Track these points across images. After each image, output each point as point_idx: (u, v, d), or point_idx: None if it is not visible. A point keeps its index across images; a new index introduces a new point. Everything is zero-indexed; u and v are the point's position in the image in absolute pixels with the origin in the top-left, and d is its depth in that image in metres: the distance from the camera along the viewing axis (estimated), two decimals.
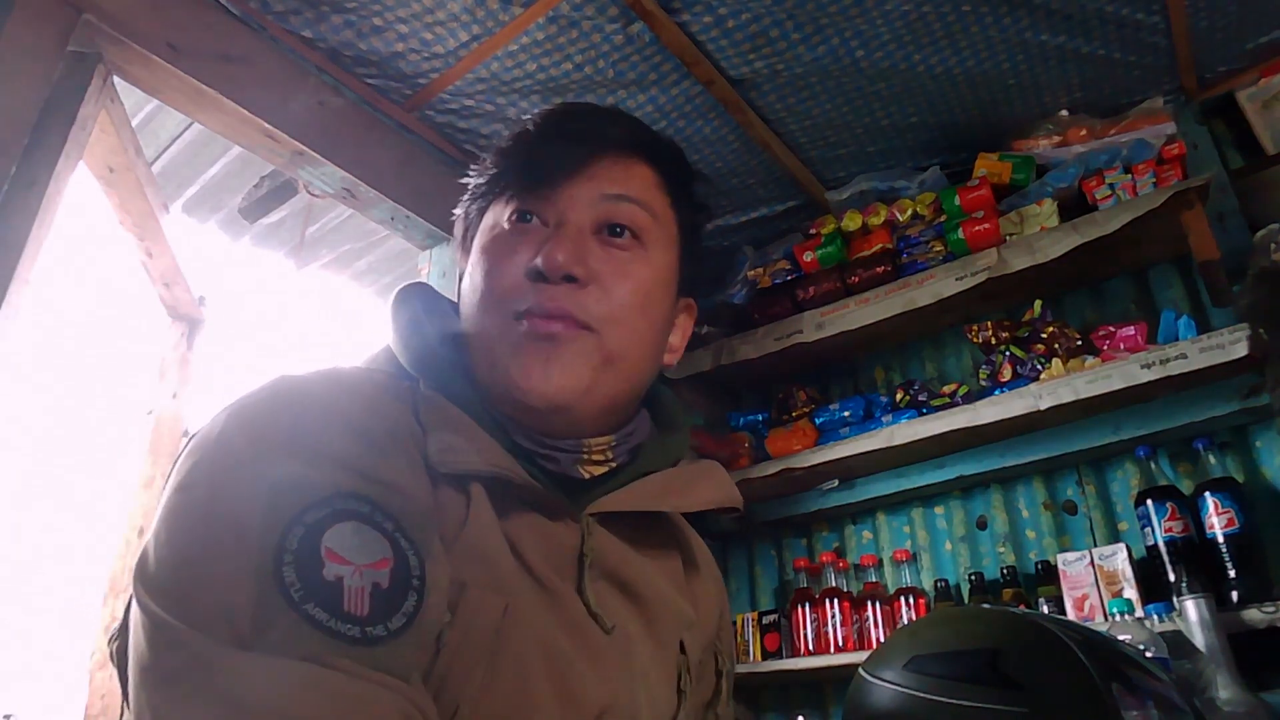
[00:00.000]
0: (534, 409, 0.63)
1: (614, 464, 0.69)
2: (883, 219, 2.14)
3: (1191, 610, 1.48)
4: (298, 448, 0.52)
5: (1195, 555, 1.62)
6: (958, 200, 2.03)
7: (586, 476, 0.67)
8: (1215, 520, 1.62)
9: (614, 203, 0.68)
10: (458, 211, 0.75)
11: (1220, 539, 1.61)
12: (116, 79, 1.42)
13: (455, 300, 0.73)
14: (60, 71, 1.28)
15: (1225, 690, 1.39)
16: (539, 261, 0.63)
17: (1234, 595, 1.57)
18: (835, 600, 2.02)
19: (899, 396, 2.10)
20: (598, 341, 0.64)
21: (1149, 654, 1.37)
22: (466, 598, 0.55)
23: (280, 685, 0.44)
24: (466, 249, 0.72)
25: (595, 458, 0.68)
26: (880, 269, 2.11)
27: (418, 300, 0.71)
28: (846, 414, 2.15)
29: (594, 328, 0.64)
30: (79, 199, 1.47)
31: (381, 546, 0.50)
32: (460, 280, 0.73)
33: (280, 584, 0.46)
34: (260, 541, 0.47)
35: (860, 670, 1.07)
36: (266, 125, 1.57)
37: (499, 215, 0.69)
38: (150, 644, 0.47)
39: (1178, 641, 1.46)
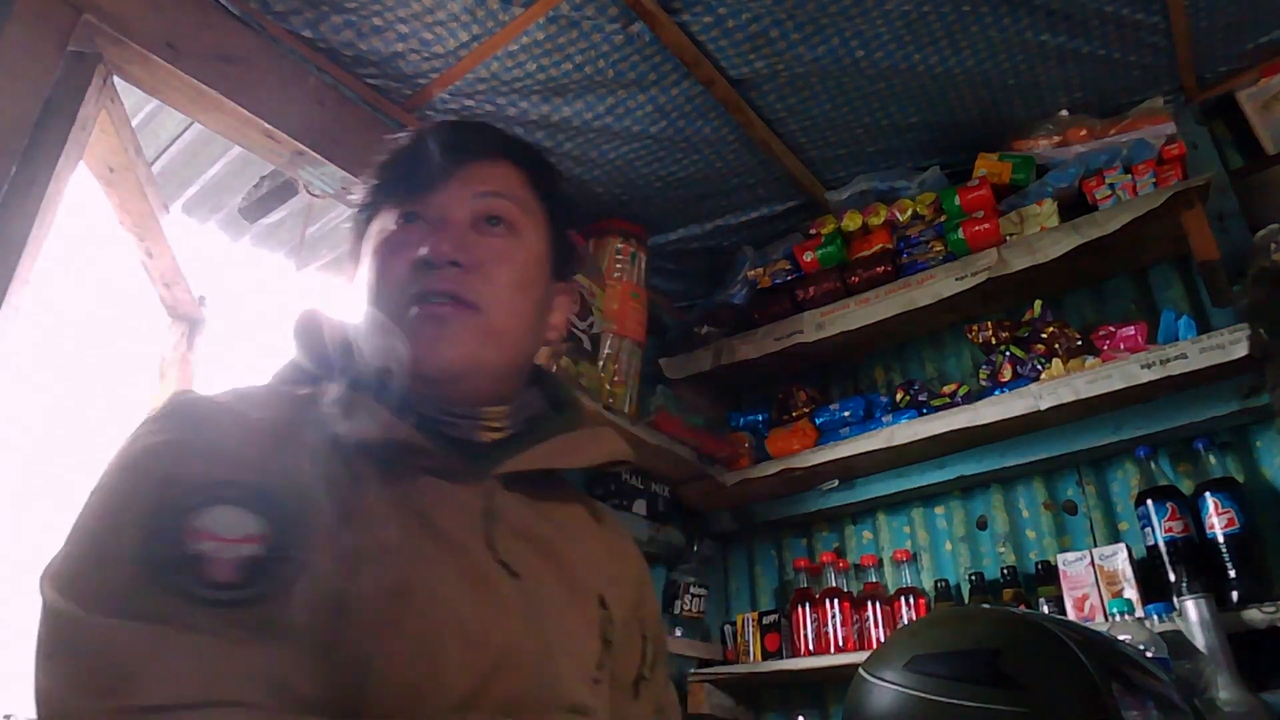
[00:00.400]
0: (431, 380, 0.72)
1: (509, 431, 0.76)
2: (883, 219, 2.14)
3: (1192, 610, 1.48)
4: (182, 448, 0.59)
5: (1195, 555, 1.62)
6: (958, 200, 2.03)
7: (486, 440, 0.74)
8: (1215, 520, 1.62)
9: (487, 199, 0.77)
10: (348, 226, 0.83)
11: (1220, 539, 1.61)
12: (116, 79, 1.42)
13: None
14: (60, 71, 1.28)
15: (1225, 690, 1.39)
16: (426, 252, 0.72)
17: (1234, 595, 1.57)
18: (835, 600, 2.02)
19: (899, 396, 2.10)
20: (483, 318, 0.73)
21: (1149, 654, 1.37)
22: (369, 560, 0.60)
23: (139, 643, 0.50)
24: (357, 256, 0.81)
25: (493, 424, 0.75)
26: (880, 269, 2.11)
27: (314, 315, 0.78)
28: (846, 414, 2.15)
29: (479, 306, 0.73)
30: (79, 199, 1.47)
31: (254, 523, 0.56)
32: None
33: (148, 559, 0.53)
34: (134, 526, 0.54)
35: (860, 670, 1.07)
36: (266, 125, 1.57)
37: (386, 221, 0.78)
38: (40, 625, 0.53)
39: (1178, 641, 1.46)
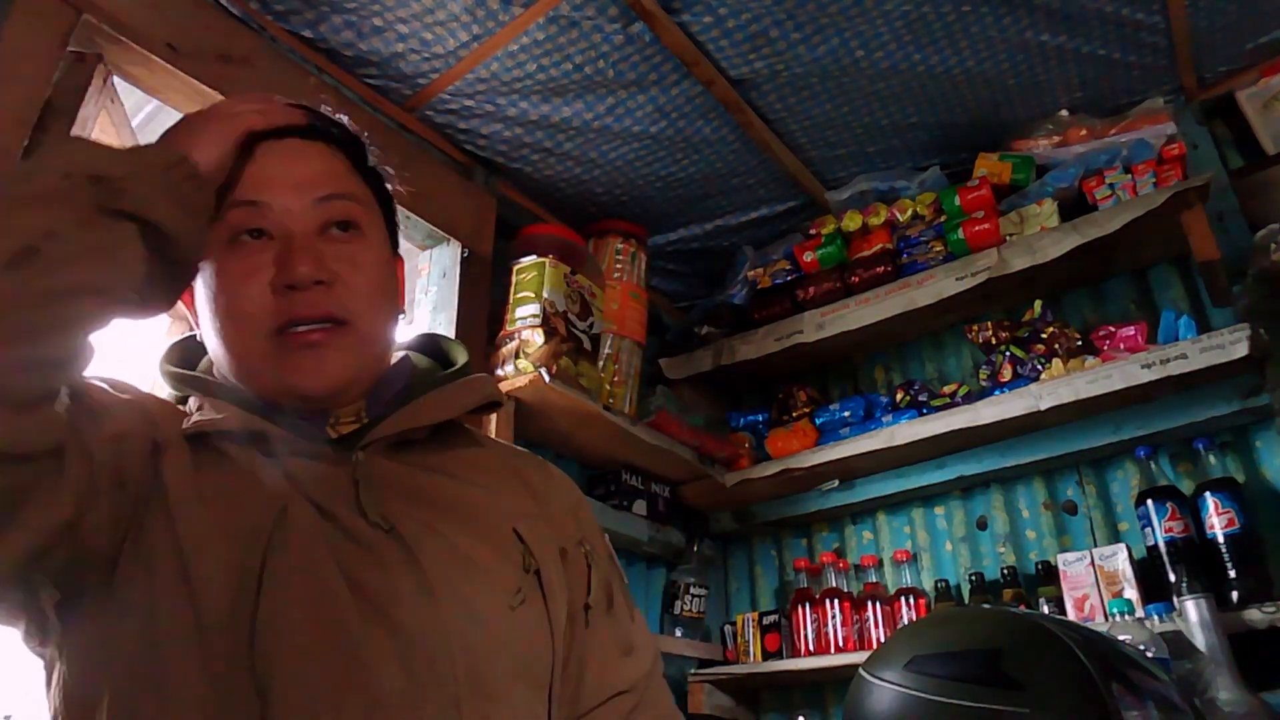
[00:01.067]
0: (307, 399, 0.74)
1: (366, 418, 0.78)
2: (883, 219, 2.14)
3: (1192, 610, 1.48)
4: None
5: (1195, 555, 1.62)
6: (958, 200, 2.03)
7: (334, 436, 0.76)
8: (1215, 520, 1.62)
9: (329, 203, 0.77)
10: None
11: (1220, 539, 1.61)
12: (116, 79, 1.42)
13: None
14: (60, 72, 1.27)
15: (1225, 690, 1.39)
16: (287, 276, 0.72)
17: (1234, 595, 1.57)
18: (835, 600, 2.02)
19: (899, 396, 2.10)
20: (355, 333, 0.75)
21: (1149, 654, 1.37)
22: (240, 534, 0.64)
23: None
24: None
25: (345, 420, 0.77)
26: (880, 269, 2.11)
27: (177, 345, 0.83)
28: (847, 414, 2.15)
29: (349, 320, 0.74)
30: None
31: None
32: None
33: None
34: None
35: (861, 670, 1.08)
36: None
37: (216, 235, 0.74)
38: None
39: (1178, 642, 1.46)
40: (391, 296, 0.82)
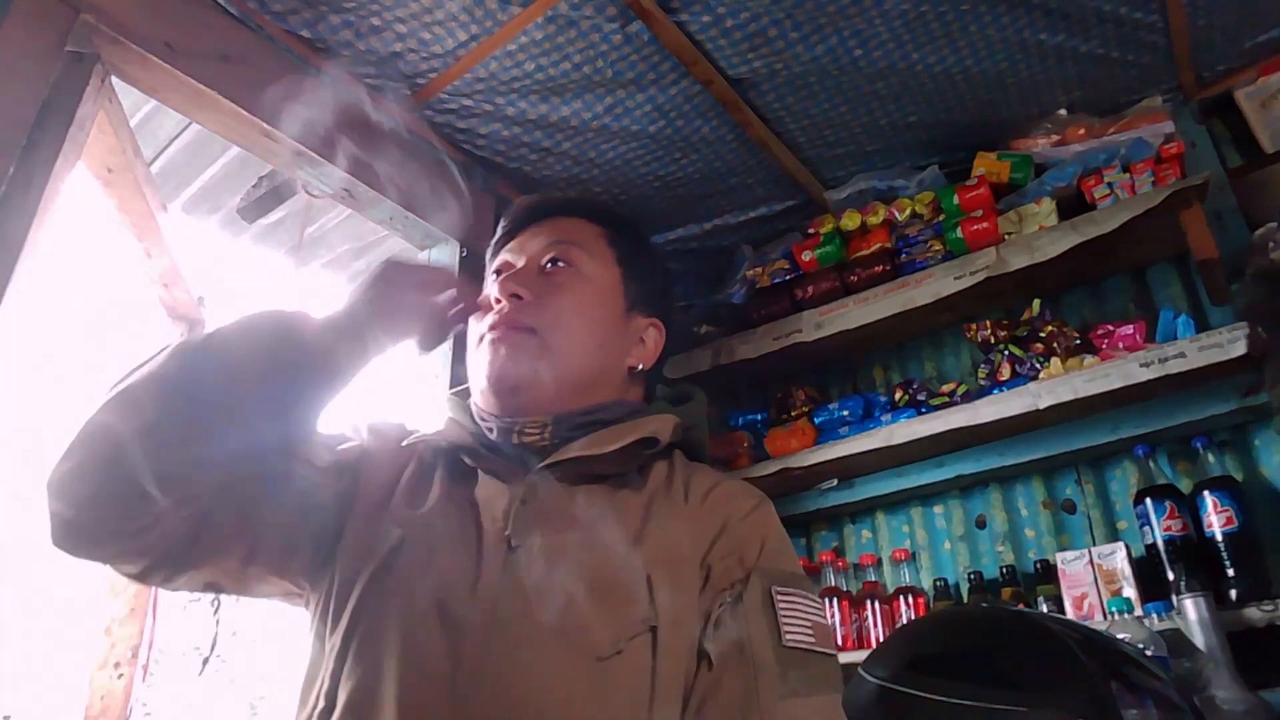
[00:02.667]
0: (498, 393, 0.87)
1: (546, 439, 0.86)
2: (881, 218, 2.14)
3: (1190, 609, 1.48)
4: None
5: (1194, 554, 1.62)
6: (956, 199, 2.03)
7: (516, 442, 0.86)
8: (1214, 519, 1.62)
9: (551, 245, 0.93)
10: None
11: (1219, 538, 1.61)
12: (115, 79, 1.42)
13: None
14: (58, 72, 1.27)
15: (1224, 689, 1.40)
16: (496, 291, 0.90)
17: (1233, 594, 1.57)
18: (834, 599, 2.02)
19: (898, 396, 2.10)
20: (538, 339, 0.87)
21: (1148, 653, 1.37)
22: (403, 524, 0.82)
23: None
24: None
25: (529, 431, 0.86)
26: (879, 268, 2.11)
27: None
28: (845, 413, 2.15)
29: (535, 329, 0.87)
30: (78, 199, 1.47)
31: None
32: None
33: None
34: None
35: (860, 670, 1.08)
36: (265, 125, 1.57)
37: (488, 281, 0.96)
38: None
39: (1177, 640, 1.46)
40: (598, 329, 0.91)
